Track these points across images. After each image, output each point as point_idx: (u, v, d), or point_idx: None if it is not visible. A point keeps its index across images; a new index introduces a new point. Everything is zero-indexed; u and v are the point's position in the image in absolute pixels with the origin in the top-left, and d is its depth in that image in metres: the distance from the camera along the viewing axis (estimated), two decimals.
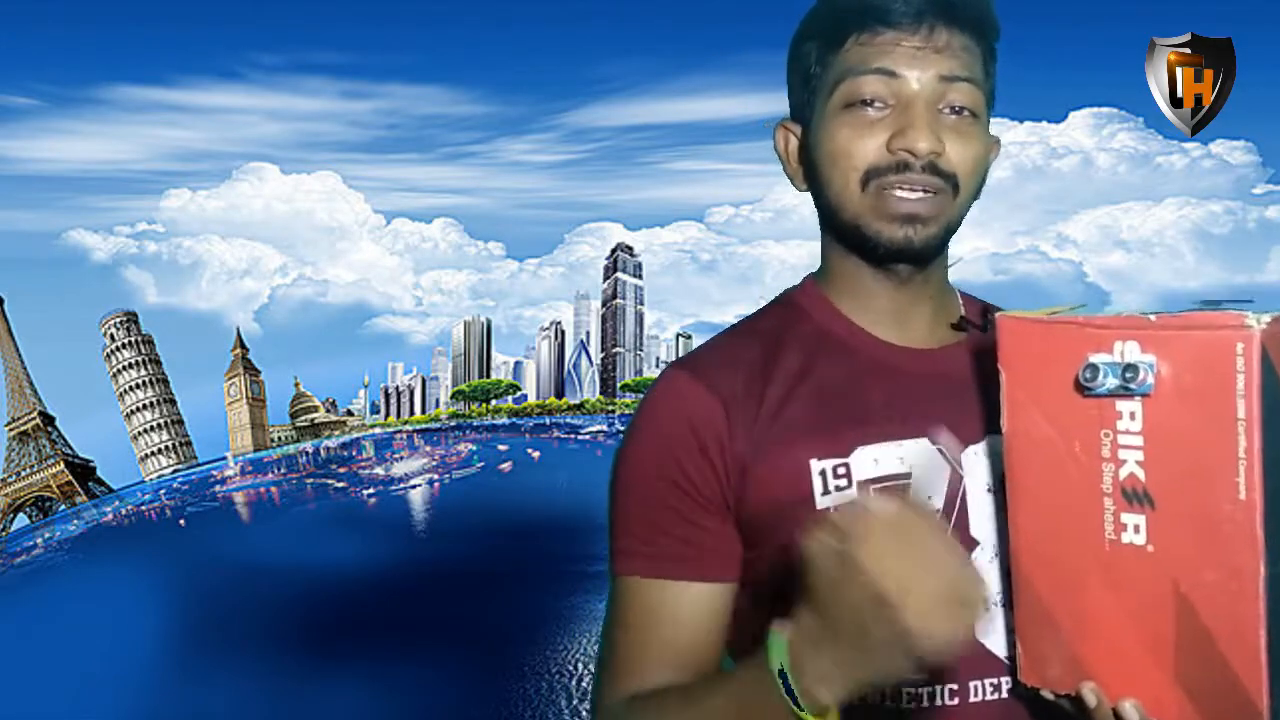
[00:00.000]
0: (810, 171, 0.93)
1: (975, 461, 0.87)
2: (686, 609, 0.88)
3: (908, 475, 0.86)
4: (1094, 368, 0.68)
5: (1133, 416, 0.67)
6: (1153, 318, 0.67)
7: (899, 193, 0.86)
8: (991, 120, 0.91)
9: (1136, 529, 0.68)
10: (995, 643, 0.85)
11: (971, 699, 0.84)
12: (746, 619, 0.89)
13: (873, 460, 0.86)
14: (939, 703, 0.84)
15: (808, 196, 0.95)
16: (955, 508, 0.86)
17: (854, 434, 0.87)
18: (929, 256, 0.90)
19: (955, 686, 0.84)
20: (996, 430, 0.88)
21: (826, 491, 0.85)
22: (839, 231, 0.92)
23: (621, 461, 0.91)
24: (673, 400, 0.90)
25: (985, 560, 0.85)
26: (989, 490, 0.86)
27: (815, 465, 0.86)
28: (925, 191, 0.86)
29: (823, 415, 0.88)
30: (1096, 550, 0.70)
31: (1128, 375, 0.67)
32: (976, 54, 0.89)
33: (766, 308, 0.99)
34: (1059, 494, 0.71)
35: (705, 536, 0.88)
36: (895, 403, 0.88)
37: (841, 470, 0.86)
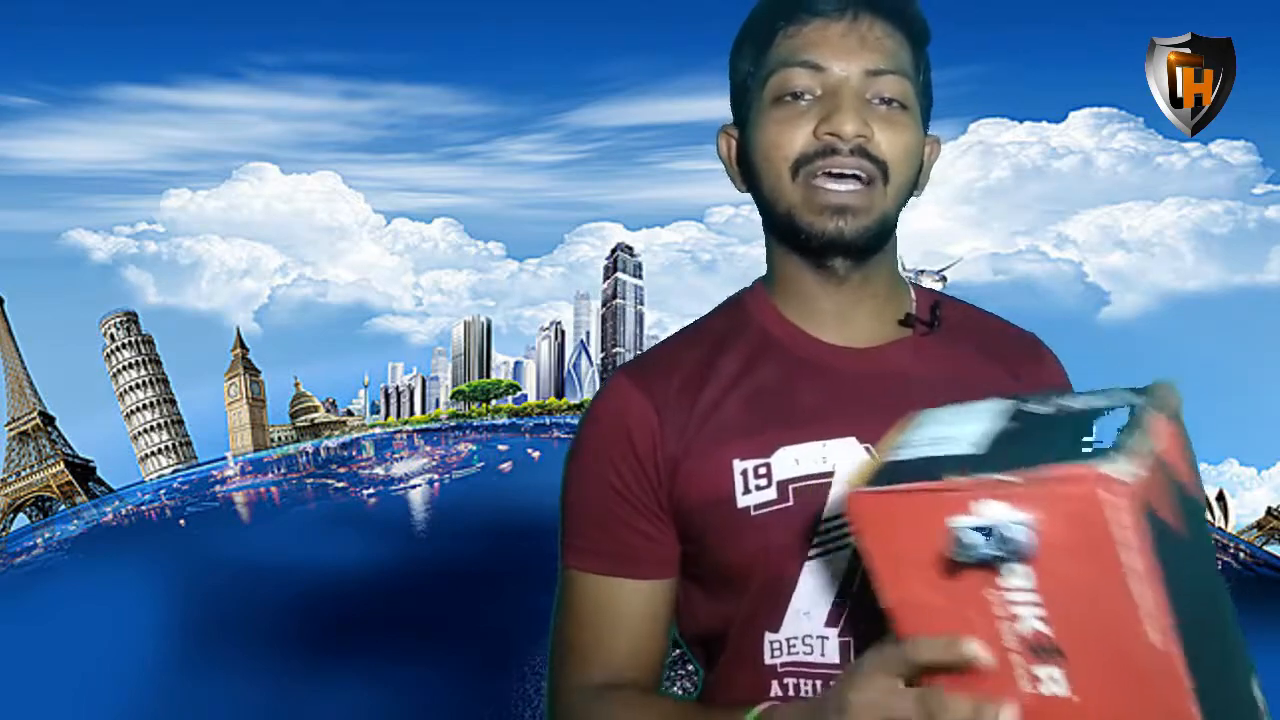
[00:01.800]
0: (747, 171, 0.94)
1: None
2: (627, 605, 0.92)
3: (830, 475, 0.86)
4: (959, 542, 0.61)
5: (1023, 577, 0.61)
6: (1015, 479, 0.60)
7: (829, 185, 0.86)
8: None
9: (1054, 679, 0.63)
10: None
11: None
12: (695, 608, 0.94)
13: (794, 460, 0.87)
14: None
15: None
16: None
17: (778, 434, 0.88)
18: (864, 249, 0.90)
19: None
20: None
21: (747, 491, 0.87)
22: (777, 228, 0.93)
23: (569, 462, 0.96)
24: (612, 405, 0.94)
25: None
26: None
27: (737, 465, 0.88)
28: (856, 180, 0.86)
29: (752, 416, 0.89)
30: (1018, 704, 0.65)
31: (1004, 541, 0.60)
32: (904, 44, 0.89)
33: (720, 307, 1.00)
34: None
35: (640, 539, 0.92)
36: (826, 403, 0.89)
37: (762, 470, 0.87)
